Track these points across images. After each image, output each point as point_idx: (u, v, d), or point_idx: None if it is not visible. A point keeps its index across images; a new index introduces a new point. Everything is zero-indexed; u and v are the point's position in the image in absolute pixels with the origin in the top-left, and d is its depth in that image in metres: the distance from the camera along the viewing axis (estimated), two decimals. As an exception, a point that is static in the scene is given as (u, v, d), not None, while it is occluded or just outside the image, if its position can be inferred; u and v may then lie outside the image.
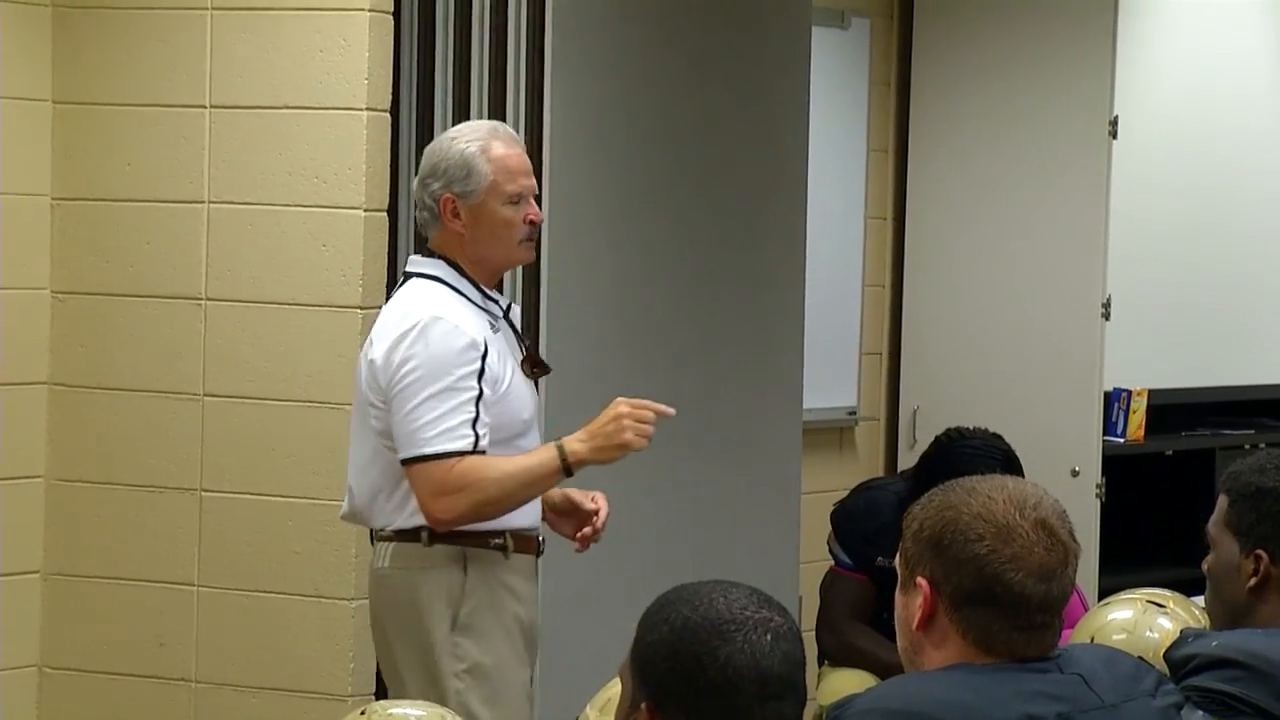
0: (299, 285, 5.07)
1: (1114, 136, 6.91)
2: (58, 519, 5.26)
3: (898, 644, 2.91)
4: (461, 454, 4.13)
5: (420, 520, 4.21)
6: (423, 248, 4.32)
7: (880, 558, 5.32)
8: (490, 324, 4.26)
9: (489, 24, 5.05)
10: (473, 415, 4.16)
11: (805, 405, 5.90)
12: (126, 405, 5.20)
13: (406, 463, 4.16)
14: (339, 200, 5.03)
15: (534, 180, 4.31)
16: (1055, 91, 6.96)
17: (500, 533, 4.25)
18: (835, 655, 5.54)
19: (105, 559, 5.23)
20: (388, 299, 4.39)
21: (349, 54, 4.98)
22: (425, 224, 4.29)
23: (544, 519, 4.42)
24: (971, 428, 5.40)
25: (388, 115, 5.05)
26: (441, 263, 4.26)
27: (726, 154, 5.51)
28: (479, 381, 4.17)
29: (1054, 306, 6.99)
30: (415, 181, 4.32)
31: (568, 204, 5.05)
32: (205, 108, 5.10)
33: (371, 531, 4.33)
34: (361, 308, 5.00)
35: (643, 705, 2.39)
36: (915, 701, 2.73)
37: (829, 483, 6.60)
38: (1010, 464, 5.16)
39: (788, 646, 2.38)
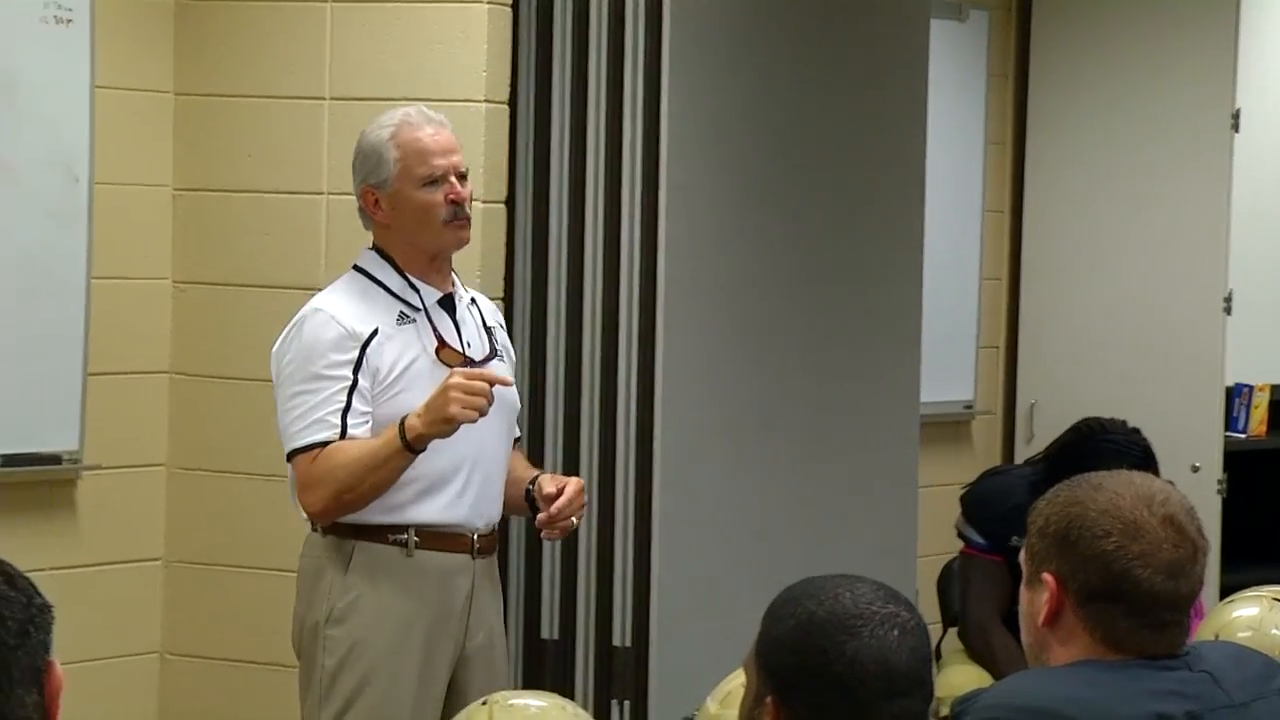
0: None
1: (1236, 129, 6.85)
2: (178, 507, 5.30)
3: (1023, 639, 2.89)
4: (325, 444, 4.09)
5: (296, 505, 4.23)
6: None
7: (1015, 537, 5.30)
8: (401, 314, 4.20)
9: (607, 16, 5.04)
10: (342, 405, 4.11)
11: (922, 399, 5.87)
12: (245, 395, 5.23)
13: (288, 459, 4.16)
14: (459, 192, 5.03)
15: (455, 157, 4.22)
16: (1176, 84, 6.90)
17: (403, 527, 4.17)
18: (974, 652, 5.51)
19: (224, 547, 5.26)
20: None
21: (467, 46, 4.98)
22: (362, 218, 4.28)
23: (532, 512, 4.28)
24: (1110, 420, 5.36)
25: (506, 108, 5.04)
26: (373, 254, 4.24)
27: (844, 148, 5.48)
28: (354, 373, 4.12)
29: (1174, 301, 6.93)
30: None
31: (684, 199, 5.03)
32: (324, 100, 5.12)
33: None
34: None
35: (768, 699, 2.37)
36: (1043, 698, 2.70)
37: (945, 476, 6.58)
38: (1148, 460, 5.14)
39: (914, 642, 2.36)
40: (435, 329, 4.22)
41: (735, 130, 5.20)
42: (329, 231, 5.15)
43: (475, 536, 4.21)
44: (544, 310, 5.09)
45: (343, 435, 4.08)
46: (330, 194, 5.15)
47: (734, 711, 3.36)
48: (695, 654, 4.88)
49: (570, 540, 4.98)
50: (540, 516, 4.21)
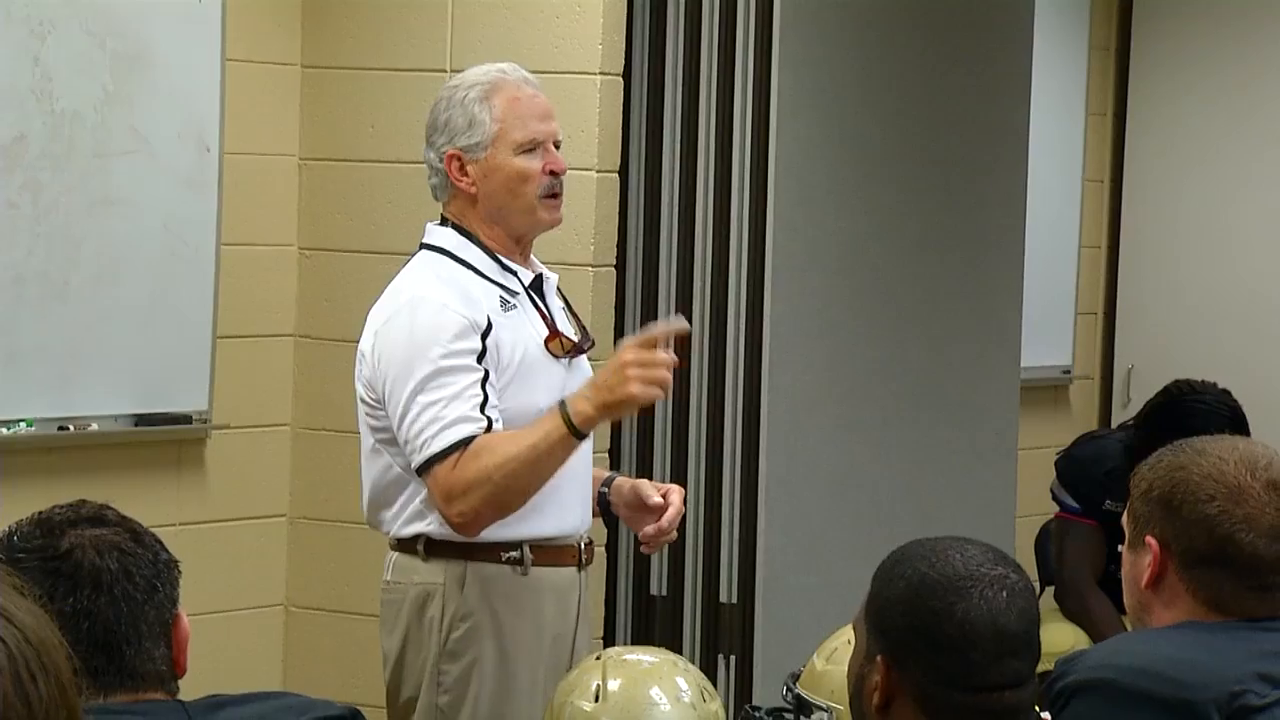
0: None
1: (1336, 100, 6.76)
2: (303, 465, 5.32)
3: (1125, 600, 2.85)
4: (468, 442, 3.52)
5: (419, 528, 3.63)
6: (441, 214, 3.77)
7: (1109, 501, 5.25)
8: (502, 299, 3.66)
9: (719, -9, 5.01)
10: (480, 398, 3.55)
11: (1021, 363, 5.82)
12: (368, 358, 5.22)
13: (419, 471, 3.56)
14: (573, 161, 4.97)
15: (554, 124, 3.73)
16: (1277, 55, 6.80)
17: (515, 544, 3.63)
18: (1070, 612, 5.46)
19: (345, 504, 5.26)
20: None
21: (583, 20, 4.96)
22: (435, 189, 3.71)
23: (617, 515, 3.84)
24: (1200, 381, 5.29)
25: (620, 79, 5.02)
26: (451, 231, 3.67)
27: (951, 120, 5.44)
28: (480, 362, 3.57)
29: (1272, 268, 6.85)
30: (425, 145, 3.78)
31: (795, 169, 5.00)
32: (446, 71, 5.10)
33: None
34: (593, 265, 4.98)
35: (878, 658, 2.35)
36: (1147, 658, 2.67)
37: (1043, 439, 6.53)
38: (1237, 421, 5.06)
39: (1023, 603, 2.33)
40: (545, 315, 3.73)
41: (844, 102, 5.16)
42: (448, 200, 5.14)
43: (581, 546, 3.75)
44: (655, 277, 5.06)
45: (489, 428, 3.53)
46: (450, 163, 5.13)
47: (839, 668, 3.33)
48: (800, 611, 4.86)
49: (680, 499, 4.94)
50: (649, 530, 3.70)
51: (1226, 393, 5.27)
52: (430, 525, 3.65)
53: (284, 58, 5.24)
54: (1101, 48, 7.12)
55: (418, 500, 3.65)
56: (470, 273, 3.65)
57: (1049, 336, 6.92)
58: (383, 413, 3.63)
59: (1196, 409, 5.09)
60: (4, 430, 4.67)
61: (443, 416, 3.52)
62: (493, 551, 3.63)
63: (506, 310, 3.65)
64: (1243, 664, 2.64)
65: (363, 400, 3.67)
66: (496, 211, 3.67)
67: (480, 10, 5.08)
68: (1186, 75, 6.99)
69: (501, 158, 3.66)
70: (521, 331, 3.66)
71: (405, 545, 3.67)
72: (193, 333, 5.00)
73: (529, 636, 3.68)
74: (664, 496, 3.74)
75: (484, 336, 3.58)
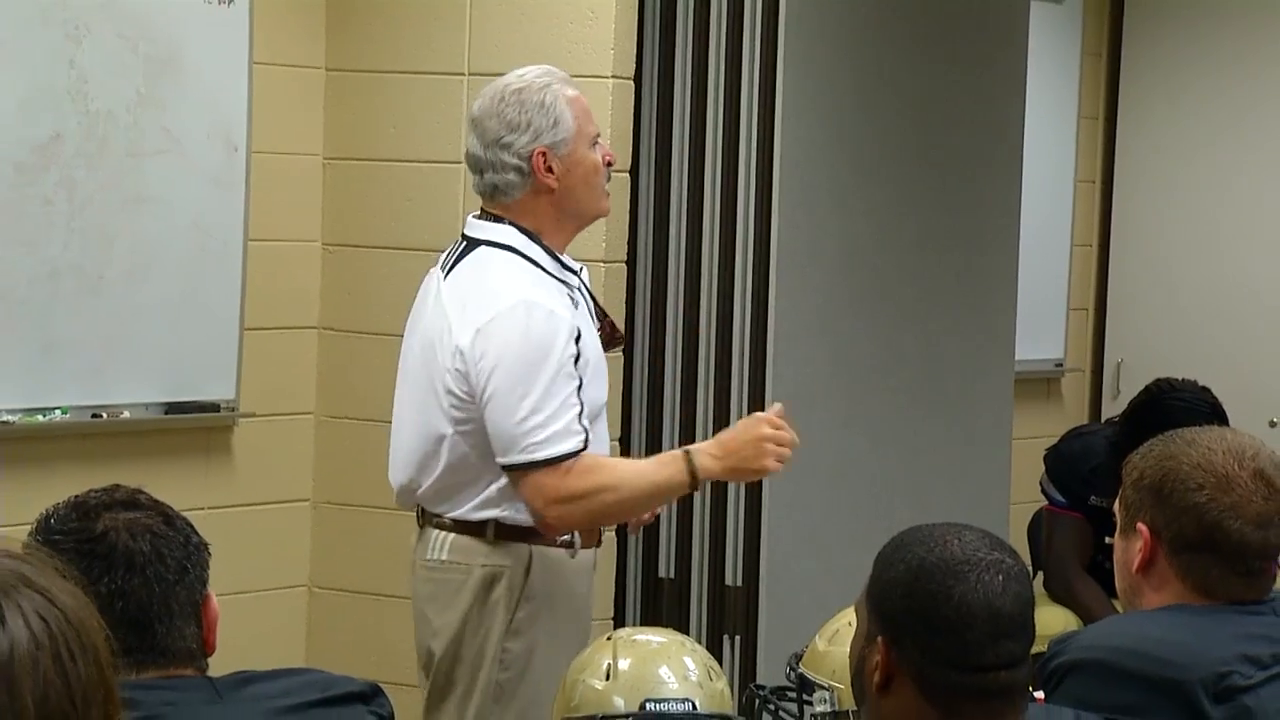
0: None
1: (1320, 104, 6.75)
2: (326, 452, 5.31)
3: (1117, 584, 2.85)
4: (575, 454, 3.54)
5: (491, 514, 3.64)
6: (486, 211, 3.71)
7: (1093, 496, 5.25)
8: (569, 297, 3.64)
9: (727, 0, 5.01)
10: (578, 409, 3.56)
11: (1015, 357, 5.81)
12: (388, 349, 5.19)
13: (514, 468, 3.57)
14: (586, 162, 5.00)
15: None
16: (1263, 60, 6.80)
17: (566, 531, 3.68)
18: (1058, 598, 5.46)
19: (367, 489, 5.26)
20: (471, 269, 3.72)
21: (596, 26, 4.95)
22: (509, 187, 3.63)
23: None
24: (1180, 379, 5.28)
25: (631, 83, 5.01)
26: (512, 229, 3.62)
27: (949, 123, 5.43)
28: (576, 367, 3.57)
29: (1258, 266, 6.85)
30: (477, 146, 3.70)
31: (798, 170, 4.99)
32: (464, 75, 5.10)
33: (421, 513, 3.76)
34: (604, 261, 4.98)
35: (879, 639, 2.34)
36: (1137, 639, 2.67)
37: (1036, 430, 6.52)
38: (1217, 416, 5.05)
39: (1019, 587, 2.33)
40: (599, 313, 3.76)
41: (846, 105, 5.15)
42: (465, 198, 5.13)
43: (600, 529, 3.82)
44: (664, 273, 5.06)
45: (585, 442, 3.56)
46: (468, 163, 5.12)
47: (840, 649, 3.32)
48: (802, 594, 4.85)
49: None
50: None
51: (1206, 389, 5.26)
52: (503, 512, 3.65)
53: (309, 61, 5.24)
54: (1094, 54, 7.10)
55: (493, 488, 3.65)
56: (540, 272, 3.63)
57: (1042, 331, 6.91)
58: (473, 406, 3.59)
59: (1177, 406, 5.08)
60: (40, 418, 4.67)
61: (552, 424, 3.53)
62: (536, 533, 3.66)
63: (576, 309, 3.64)
64: (1229, 646, 2.64)
65: (450, 392, 3.60)
66: (574, 204, 3.67)
67: (497, 16, 5.07)
68: (1175, 81, 6.98)
69: (582, 152, 3.66)
70: (590, 330, 3.67)
71: (469, 528, 3.66)
72: (221, 325, 5.00)
73: (575, 615, 3.73)
74: None
75: (577, 340, 3.59)
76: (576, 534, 3.68)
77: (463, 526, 3.67)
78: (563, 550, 3.68)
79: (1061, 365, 7.13)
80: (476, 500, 3.65)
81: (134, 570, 2.25)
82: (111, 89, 4.72)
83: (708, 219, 5.01)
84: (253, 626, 5.05)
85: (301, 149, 5.25)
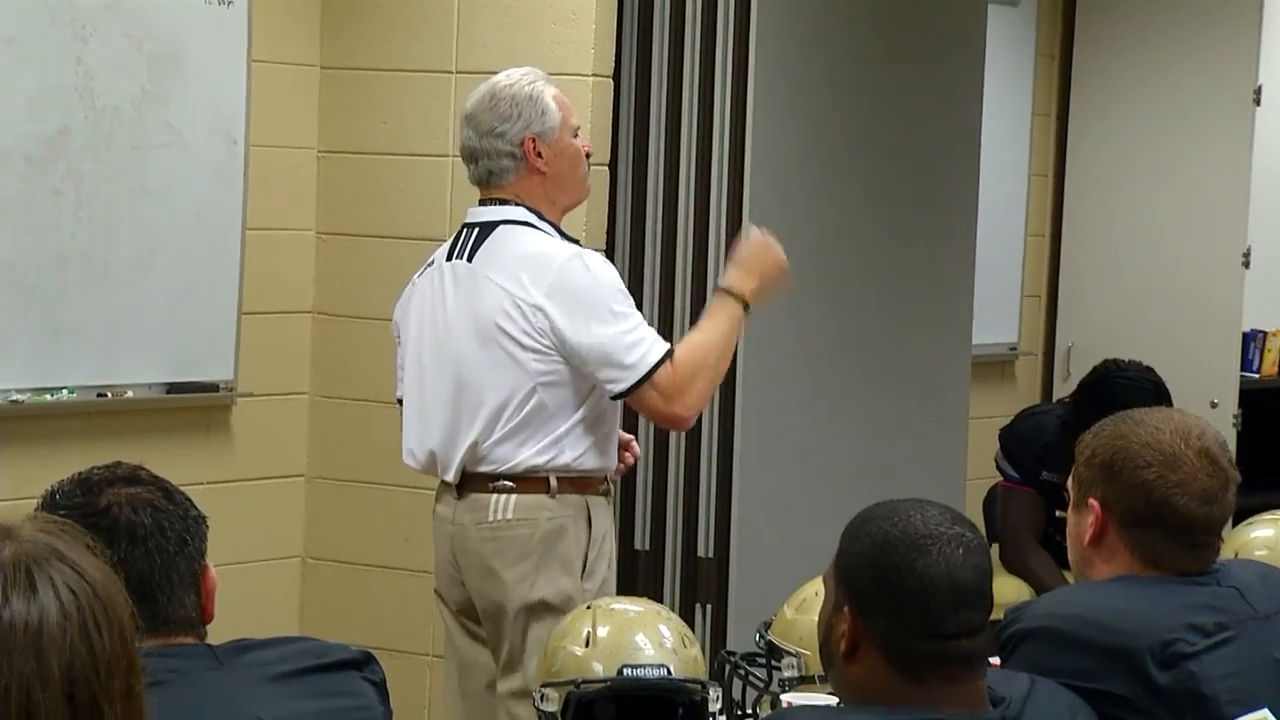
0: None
1: (1258, 104, 6.76)
2: (319, 430, 5.29)
3: (1069, 557, 2.84)
4: (670, 353, 3.75)
5: (553, 460, 3.75)
6: (487, 197, 3.85)
7: (1045, 472, 5.24)
8: None
9: (702, 3, 4.98)
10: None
11: (973, 341, 5.80)
12: (379, 332, 5.19)
13: (634, 387, 3.72)
14: (567, 155, 4.97)
15: None
16: (1205, 63, 6.81)
17: (604, 477, 3.85)
18: (1012, 569, 5.45)
19: (359, 465, 5.25)
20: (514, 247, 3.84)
21: (577, 26, 4.93)
22: (502, 172, 3.80)
23: None
24: (1126, 360, 5.28)
25: (610, 80, 4.99)
26: (522, 208, 3.80)
27: (911, 120, 5.42)
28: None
29: (1199, 256, 6.85)
30: (472, 138, 3.85)
31: (769, 164, 4.98)
32: (452, 73, 5.08)
33: (465, 480, 3.83)
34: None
35: (845, 609, 2.33)
36: (1088, 608, 2.67)
37: (991, 410, 6.52)
38: (1160, 394, 5.05)
39: (978, 560, 2.32)
40: None
41: (816, 103, 5.14)
42: (453, 189, 5.11)
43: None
44: (641, 262, 5.05)
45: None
46: (455, 156, 5.09)
47: (808, 617, 3.31)
48: (771, 565, 4.85)
49: (661, 462, 4.96)
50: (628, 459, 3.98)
51: (1150, 370, 5.26)
52: (563, 458, 3.78)
53: (304, 59, 5.21)
54: (1046, 55, 7.10)
55: (566, 433, 3.78)
56: (559, 237, 3.82)
57: (997, 316, 6.90)
58: (554, 357, 3.74)
59: (1123, 385, 5.08)
60: (48, 397, 4.65)
61: (645, 335, 3.73)
62: (595, 484, 3.83)
63: None
64: (1175, 615, 2.63)
65: (531, 349, 3.74)
66: (561, 187, 3.83)
67: (483, 17, 5.05)
68: (1123, 81, 6.98)
69: (566, 140, 3.84)
70: None
71: (531, 485, 3.77)
72: (220, 309, 4.98)
73: (614, 552, 3.90)
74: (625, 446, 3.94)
75: None
76: (607, 481, 3.85)
77: (526, 485, 3.78)
78: (603, 496, 3.84)
79: (1015, 349, 7.13)
80: (540, 445, 3.76)
81: (136, 542, 2.24)
82: (117, 85, 4.70)
83: (683, 211, 4.99)
84: (249, 596, 5.03)
85: (297, 143, 5.22)
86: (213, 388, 5.01)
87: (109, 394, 4.76)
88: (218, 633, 2.34)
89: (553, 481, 3.78)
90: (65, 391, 4.69)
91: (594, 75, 4.94)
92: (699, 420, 4.96)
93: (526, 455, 3.78)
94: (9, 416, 4.57)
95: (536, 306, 3.72)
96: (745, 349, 4.89)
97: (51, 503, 2.28)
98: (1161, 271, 6.91)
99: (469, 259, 3.83)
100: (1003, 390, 7.03)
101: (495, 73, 4.99)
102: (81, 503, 2.26)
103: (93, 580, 1.44)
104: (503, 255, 3.78)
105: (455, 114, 5.07)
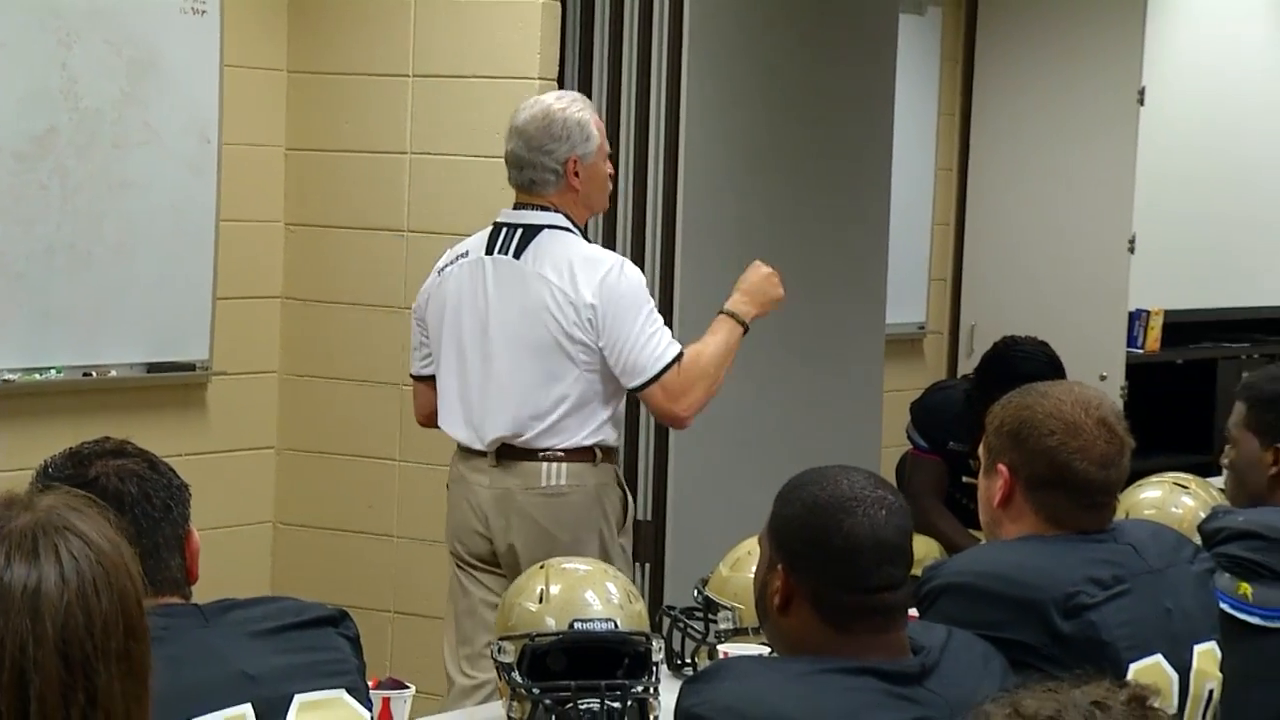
0: (483, 222, 4.99)
1: (1142, 104, 6.79)
2: (289, 405, 5.26)
3: (980, 518, 2.85)
4: (680, 357, 3.90)
5: (599, 437, 3.94)
6: (524, 202, 3.97)
7: (952, 441, 5.25)
8: None
9: (638, 12, 4.96)
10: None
11: (885, 321, 5.81)
12: (344, 315, 5.18)
13: (647, 383, 3.88)
14: (515, 152, 4.94)
15: None
16: (1093, 67, 6.84)
17: (616, 448, 4.04)
18: (919, 527, 5.46)
19: (326, 438, 5.22)
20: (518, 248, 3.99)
21: (524, 34, 4.91)
22: (544, 184, 3.93)
23: None
24: (1023, 337, 5.30)
25: (555, 83, 4.97)
26: (561, 215, 3.95)
27: (831, 119, 5.42)
28: None
29: (1089, 242, 6.89)
30: (522, 149, 3.95)
31: (701, 161, 4.97)
32: (409, 76, 5.05)
33: (504, 450, 3.96)
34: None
35: (779, 566, 2.33)
36: (998, 564, 2.68)
37: (903, 384, 6.53)
38: (1055, 367, 5.06)
39: (899, 520, 2.32)
40: None
41: (743, 103, 5.14)
42: (411, 184, 5.09)
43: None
44: (584, 248, 5.01)
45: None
46: (413, 153, 5.08)
47: (741, 574, 3.32)
48: (705, 526, 4.84)
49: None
50: None
51: (1045, 344, 5.27)
52: (603, 437, 3.95)
53: (273, 64, 5.17)
54: (951, 59, 7.12)
55: (604, 414, 3.94)
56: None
57: (907, 298, 6.92)
58: (592, 351, 3.88)
59: (1020, 358, 5.09)
60: (37, 376, 4.60)
61: (663, 338, 3.89)
62: (616, 455, 4.02)
63: None
64: (1076, 569, 2.65)
65: (579, 341, 3.89)
66: (588, 203, 3.99)
67: (437, 26, 5.03)
68: (1020, 84, 7.01)
69: (600, 164, 3.99)
70: None
71: (579, 455, 3.94)
72: (196, 294, 4.94)
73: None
74: None
75: None
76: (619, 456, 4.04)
77: (575, 455, 3.94)
78: (613, 466, 4.01)
79: (924, 328, 7.14)
80: (591, 428, 3.92)
81: (124, 510, 2.22)
82: (99, 88, 4.65)
83: (620, 206, 4.98)
84: (225, 559, 5.00)
85: (266, 141, 5.18)
86: (189, 367, 4.97)
87: (94, 373, 4.72)
88: (197, 593, 2.32)
89: (597, 453, 3.95)
90: (53, 371, 4.64)
91: (539, 78, 4.92)
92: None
93: (577, 437, 3.93)
94: (1, 395, 4.53)
95: (588, 304, 3.87)
96: (679, 330, 4.89)
97: (45, 475, 2.26)
98: (1055, 256, 6.95)
99: (515, 255, 3.95)
100: (912, 366, 7.05)
101: (447, 76, 5.00)
102: (72, 474, 2.24)
103: (98, 549, 1.44)
104: (556, 256, 3.91)
105: (411, 114, 5.05)
